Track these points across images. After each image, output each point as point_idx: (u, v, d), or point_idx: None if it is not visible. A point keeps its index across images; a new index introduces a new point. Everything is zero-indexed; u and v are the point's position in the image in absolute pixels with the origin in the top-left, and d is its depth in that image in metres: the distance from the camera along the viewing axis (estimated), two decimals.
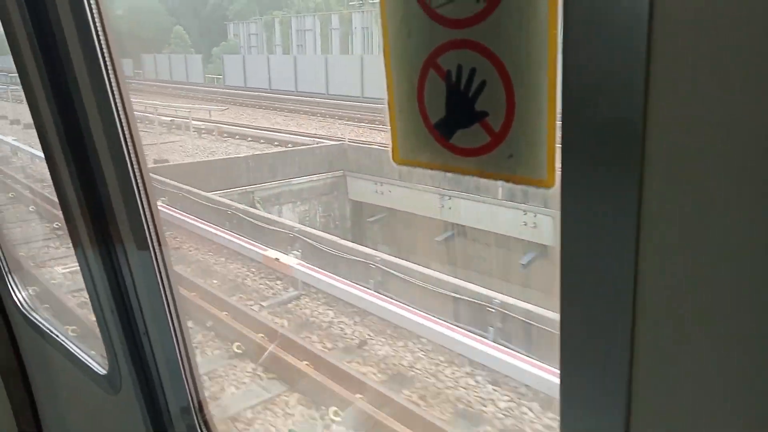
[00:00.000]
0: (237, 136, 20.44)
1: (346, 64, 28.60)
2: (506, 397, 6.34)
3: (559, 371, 0.77)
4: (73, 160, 1.76)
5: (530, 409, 6.20)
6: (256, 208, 14.13)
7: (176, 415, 2.00)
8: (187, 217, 11.61)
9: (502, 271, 12.42)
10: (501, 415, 6.19)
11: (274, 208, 15.21)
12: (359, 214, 16.18)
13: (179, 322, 1.87)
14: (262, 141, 19.35)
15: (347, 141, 16.93)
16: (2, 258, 2.98)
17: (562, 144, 0.68)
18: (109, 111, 1.59)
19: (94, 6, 1.49)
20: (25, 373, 3.02)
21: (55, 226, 11.09)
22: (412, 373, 6.97)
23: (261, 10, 42.32)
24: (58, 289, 8.67)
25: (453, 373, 6.83)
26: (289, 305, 8.81)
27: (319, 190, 16.16)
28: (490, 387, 6.51)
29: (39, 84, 1.71)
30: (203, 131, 21.24)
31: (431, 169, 0.86)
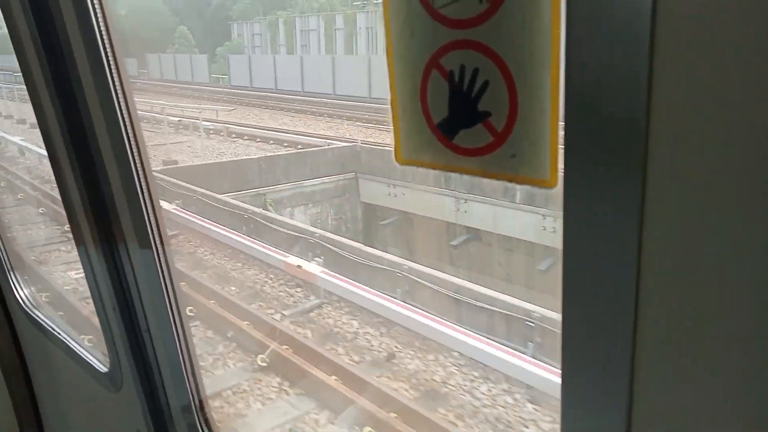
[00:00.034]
0: (245, 137, 20.16)
1: (353, 65, 28.29)
2: (548, 418, 6.01)
3: (560, 371, 0.76)
4: (76, 159, 1.77)
5: None
6: (267, 210, 13.86)
7: (177, 413, 2.01)
8: (202, 220, 11.30)
9: (522, 277, 12.18)
10: None
11: (286, 211, 14.98)
12: (371, 216, 15.94)
13: (181, 320, 1.87)
14: (271, 142, 19.08)
15: (359, 143, 16.62)
16: (4, 256, 2.97)
17: (564, 143, 0.67)
18: (113, 110, 1.60)
19: (97, 6, 1.50)
20: (27, 370, 3.03)
21: (66, 228, 10.75)
22: (446, 389, 6.64)
23: (265, 10, 42.07)
24: (71, 295, 8.36)
25: (489, 390, 6.51)
26: (311, 314, 8.50)
27: (330, 192, 15.93)
28: (530, 406, 6.19)
29: (43, 84, 1.72)
30: (211, 131, 20.96)
31: (434, 169, 0.86)
